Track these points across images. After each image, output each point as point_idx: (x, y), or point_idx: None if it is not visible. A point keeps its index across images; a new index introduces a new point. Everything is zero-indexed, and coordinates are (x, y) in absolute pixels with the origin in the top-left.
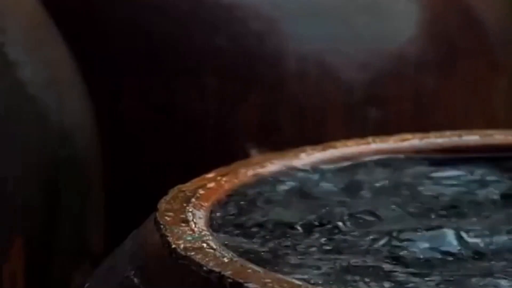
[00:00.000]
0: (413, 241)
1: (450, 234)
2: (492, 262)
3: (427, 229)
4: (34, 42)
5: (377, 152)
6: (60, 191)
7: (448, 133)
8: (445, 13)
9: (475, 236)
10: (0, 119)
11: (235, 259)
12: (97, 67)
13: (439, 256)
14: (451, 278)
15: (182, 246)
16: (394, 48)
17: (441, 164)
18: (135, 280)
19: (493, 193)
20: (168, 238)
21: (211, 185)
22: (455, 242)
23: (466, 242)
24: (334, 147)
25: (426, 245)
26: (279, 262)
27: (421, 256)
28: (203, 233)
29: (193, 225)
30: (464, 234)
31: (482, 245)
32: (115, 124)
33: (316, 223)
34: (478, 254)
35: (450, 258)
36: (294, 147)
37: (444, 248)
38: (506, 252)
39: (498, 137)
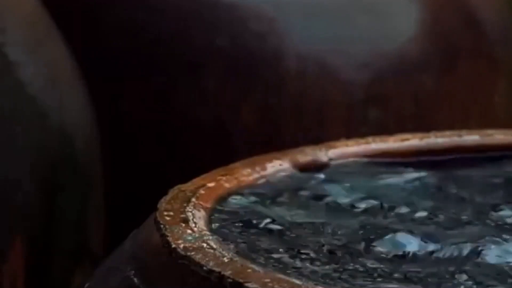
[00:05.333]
0: None
1: None
2: None
3: None
4: (34, 42)
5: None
6: (60, 191)
7: (448, 133)
8: (445, 13)
9: None
10: (0, 119)
11: (235, 259)
12: (97, 67)
13: None
14: None
15: (182, 246)
16: (394, 48)
17: None
18: (135, 280)
19: None
20: (168, 238)
21: (211, 185)
22: None
23: None
24: (334, 147)
25: None
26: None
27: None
28: (203, 233)
29: (193, 225)
30: None
31: None
32: (115, 124)
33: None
34: None
35: None
36: (294, 147)
37: None
38: None
39: (498, 137)
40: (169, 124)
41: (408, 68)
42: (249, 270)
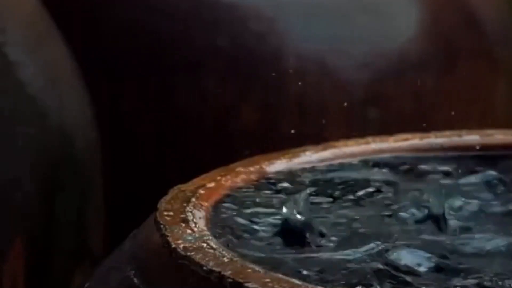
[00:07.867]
0: None
1: None
2: None
3: None
4: (34, 42)
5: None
6: (60, 191)
7: (448, 133)
8: (445, 13)
9: None
10: (0, 119)
11: (235, 259)
12: (97, 67)
13: None
14: None
15: (182, 246)
16: (394, 48)
17: None
18: (135, 280)
19: None
20: (168, 238)
21: (211, 185)
22: None
23: None
24: (334, 147)
25: None
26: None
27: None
28: (203, 233)
29: (193, 225)
30: None
31: None
32: (115, 124)
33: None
34: None
35: None
36: (294, 147)
37: None
38: None
39: (498, 137)
40: (169, 124)
41: (408, 68)
42: (249, 270)
